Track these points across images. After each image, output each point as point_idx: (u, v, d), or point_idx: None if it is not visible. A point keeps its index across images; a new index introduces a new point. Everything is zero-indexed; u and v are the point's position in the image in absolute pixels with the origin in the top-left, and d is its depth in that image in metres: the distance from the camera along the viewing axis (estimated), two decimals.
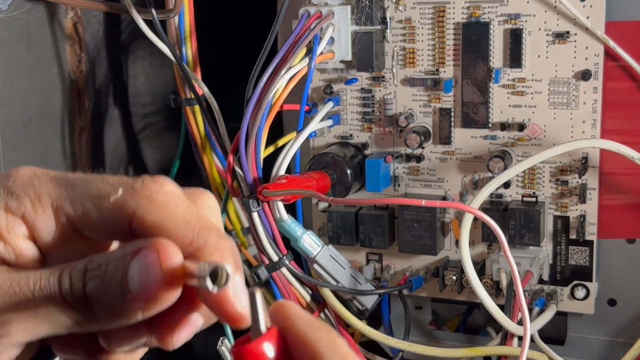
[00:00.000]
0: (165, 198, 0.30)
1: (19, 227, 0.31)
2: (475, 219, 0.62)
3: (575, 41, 0.61)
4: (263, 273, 0.62)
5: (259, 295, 0.28)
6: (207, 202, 0.33)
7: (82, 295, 0.29)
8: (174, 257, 0.29)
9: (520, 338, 0.63)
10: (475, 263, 0.63)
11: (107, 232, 0.31)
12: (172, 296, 0.29)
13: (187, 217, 0.30)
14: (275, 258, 0.62)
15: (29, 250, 0.31)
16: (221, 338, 0.60)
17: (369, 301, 0.66)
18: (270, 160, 0.62)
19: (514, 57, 0.62)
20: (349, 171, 0.65)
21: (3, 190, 0.31)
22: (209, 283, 0.27)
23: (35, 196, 0.31)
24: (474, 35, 0.63)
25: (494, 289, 0.65)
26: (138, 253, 0.29)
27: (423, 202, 0.56)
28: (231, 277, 0.28)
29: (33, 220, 0.31)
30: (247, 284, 0.68)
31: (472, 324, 0.75)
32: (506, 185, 0.65)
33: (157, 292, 0.28)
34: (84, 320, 0.29)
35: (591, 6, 0.60)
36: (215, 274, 0.27)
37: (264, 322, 0.28)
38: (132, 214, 0.30)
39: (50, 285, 0.29)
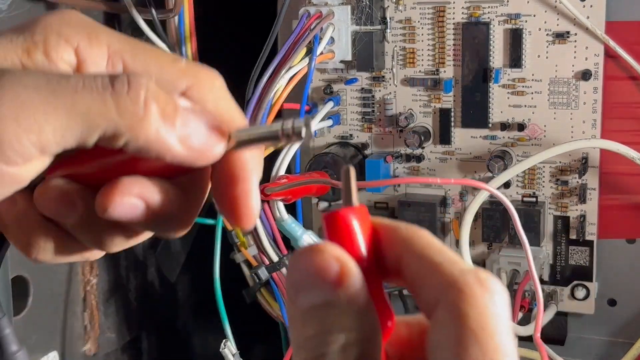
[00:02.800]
0: (220, 83, 0.31)
1: (68, 54, 0.29)
2: (476, 219, 0.62)
3: (576, 41, 0.61)
4: (263, 273, 0.62)
5: (352, 172, 0.28)
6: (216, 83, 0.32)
7: (134, 101, 0.27)
8: None
9: (521, 338, 0.63)
10: (475, 263, 0.63)
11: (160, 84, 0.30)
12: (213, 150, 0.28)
13: (232, 106, 0.31)
14: (275, 258, 0.62)
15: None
16: (224, 340, 0.61)
17: None
18: (270, 160, 0.62)
19: (514, 57, 0.62)
20: None
21: (56, 20, 0.29)
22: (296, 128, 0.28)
23: (93, 33, 0.29)
24: (474, 35, 0.63)
25: None
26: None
27: (438, 180, 0.56)
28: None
29: (86, 55, 0.29)
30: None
31: None
32: (506, 185, 0.65)
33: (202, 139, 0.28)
34: (125, 129, 0.27)
35: (591, 6, 0.60)
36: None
37: (356, 198, 0.27)
38: (190, 85, 0.30)
39: (99, 84, 0.27)
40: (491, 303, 0.24)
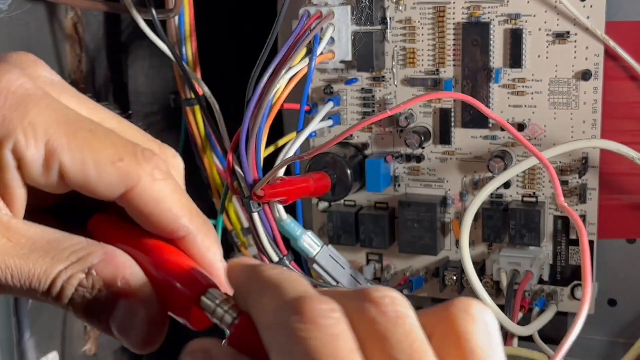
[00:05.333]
0: (165, 177, 0.30)
1: (8, 162, 0.28)
2: (476, 218, 0.62)
3: (576, 41, 0.61)
4: None
5: None
6: (174, 162, 0.32)
7: (65, 305, 0.28)
8: (163, 322, 0.29)
9: (521, 338, 0.63)
10: (475, 263, 0.63)
11: (99, 194, 0.29)
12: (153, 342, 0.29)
13: (183, 200, 0.30)
14: (275, 258, 0.62)
15: (17, 184, 0.29)
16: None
17: None
18: (271, 160, 0.62)
19: (514, 57, 0.62)
20: (349, 171, 0.65)
21: None
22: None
23: (30, 127, 0.28)
24: (474, 35, 0.63)
25: (494, 289, 0.65)
26: (125, 298, 0.28)
27: (388, 112, 0.55)
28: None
29: (21, 154, 0.28)
30: None
31: None
32: (506, 185, 0.65)
33: (136, 340, 0.29)
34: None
35: (591, 6, 0.60)
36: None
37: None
38: (131, 187, 0.29)
39: (40, 285, 0.28)
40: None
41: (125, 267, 0.29)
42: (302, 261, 0.65)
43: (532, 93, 0.63)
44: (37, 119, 0.28)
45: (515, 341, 0.62)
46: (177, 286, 0.29)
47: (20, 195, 0.29)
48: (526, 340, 0.64)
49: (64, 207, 0.32)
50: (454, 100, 0.65)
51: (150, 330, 0.28)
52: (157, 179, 0.29)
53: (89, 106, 0.31)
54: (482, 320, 0.26)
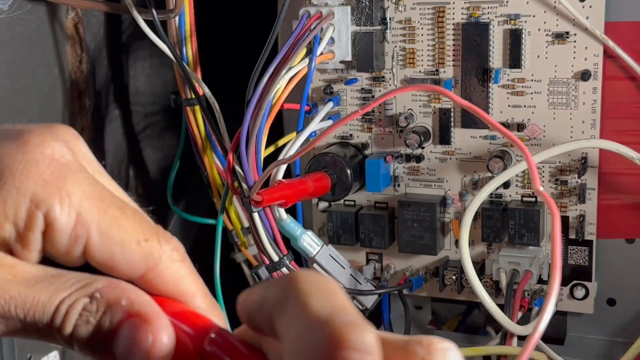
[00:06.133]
0: (183, 259, 0.31)
1: (38, 224, 0.29)
2: (475, 218, 0.62)
3: (575, 41, 0.61)
4: (263, 273, 0.62)
5: None
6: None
7: (68, 337, 0.28)
8: (165, 339, 0.28)
9: (520, 337, 0.63)
10: (475, 263, 0.63)
11: (119, 271, 0.30)
12: None
13: (198, 281, 0.31)
14: (275, 258, 0.62)
15: (34, 247, 0.29)
16: None
17: (369, 301, 0.66)
18: (271, 160, 0.62)
19: (514, 58, 0.63)
20: (349, 171, 0.66)
21: (36, 170, 0.28)
22: None
23: (66, 196, 0.29)
24: (473, 36, 0.63)
25: (494, 288, 0.65)
26: (130, 319, 0.28)
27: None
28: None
29: (53, 220, 0.29)
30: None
31: (471, 323, 0.75)
32: (506, 185, 0.65)
33: None
34: (49, 342, 0.29)
35: (590, 6, 0.60)
36: None
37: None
38: (152, 267, 0.30)
39: (44, 313, 0.28)
40: None
41: (130, 290, 0.29)
42: (302, 261, 0.65)
43: (532, 93, 0.63)
44: (73, 190, 0.29)
45: (515, 341, 0.62)
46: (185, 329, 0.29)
47: (33, 259, 0.29)
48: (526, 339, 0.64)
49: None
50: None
51: (155, 349, 0.28)
52: (175, 260, 0.30)
53: (115, 187, 0.32)
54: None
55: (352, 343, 0.22)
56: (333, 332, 0.23)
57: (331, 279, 0.26)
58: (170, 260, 0.30)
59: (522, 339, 0.64)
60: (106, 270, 0.30)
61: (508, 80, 0.64)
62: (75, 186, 0.29)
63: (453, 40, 0.64)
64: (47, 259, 0.30)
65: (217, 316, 0.31)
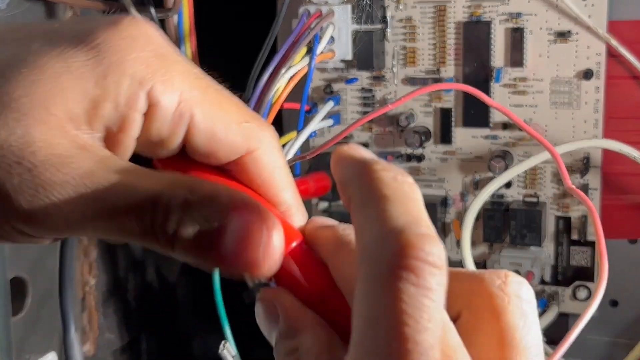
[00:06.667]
0: (280, 148, 0.30)
1: (141, 102, 0.27)
2: (476, 219, 0.62)
3: (577, 40, 0.61)
4: None
5: None
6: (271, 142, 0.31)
7: (172, 233, 0.26)
8: (279, 235, 0.26)
9: None
10: (476, 263, 0.63)
11: (221, 152, 0.29)
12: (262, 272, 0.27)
13: (290, 175, 0.30)
14: None
15: (134, 131, 0.27)
16: (223, 342, 0.60)
17: None
18: None
19: (515, 57, 0.62)
20: None
21: (130, 50, 0.27)
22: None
23: (168, 75, 0.27)
24: (475, 35, 0.63)
25: None
26: (239, 212, 0.26)
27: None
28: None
29: (157, 99, 0.27)
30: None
31: None
32: (507, 185, 0.65)
33: (252, 261, 0.26)
34: (148, 244, 0.26)
35: (593, 5, 0.60)
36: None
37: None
38: (253, 150, 0.29)
39: (144, 203, 0.25)
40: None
41: (230, 186, 0.28)
42: None
43: (534, 92, 0.63)
44: (174, 70, 0.27)
45: None
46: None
47: (129, 146, 0.28)
48: None
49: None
50: (455, 100, 0.65)
51: (269, 248, 0.26)
52: (275, 147, 0.29)
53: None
54: (519, 297, 0.26)
55: (422, 254, 0.22)
56: (406, 242, 0.22)
57: (408, 180, 0.25)
58: (269, 147, 0.29)
59: None
60: (207, 152, 0.28)
61: (510, 79, 0.63)
62: (176, 66, 0.28)
63: (454, 39, 0.64)
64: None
65: (302, 215, 0.30)
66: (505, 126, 0.64)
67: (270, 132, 0.29)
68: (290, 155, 0.61)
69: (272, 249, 0.26)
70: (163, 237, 0.26)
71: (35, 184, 0.25)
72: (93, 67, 0.26)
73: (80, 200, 0.25)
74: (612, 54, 0.61)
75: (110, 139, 0.27)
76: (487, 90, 0.63)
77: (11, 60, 0.26)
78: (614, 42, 0.60)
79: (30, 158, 0.25)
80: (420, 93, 0.63)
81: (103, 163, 0.26)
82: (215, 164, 0.29)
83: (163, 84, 0.27)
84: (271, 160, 0.29)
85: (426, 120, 0.66)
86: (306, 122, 0.63)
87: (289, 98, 0.61)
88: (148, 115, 0.27)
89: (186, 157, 0.30)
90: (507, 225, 0.64)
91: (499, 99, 0.64)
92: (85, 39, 0.27)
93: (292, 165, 0.64)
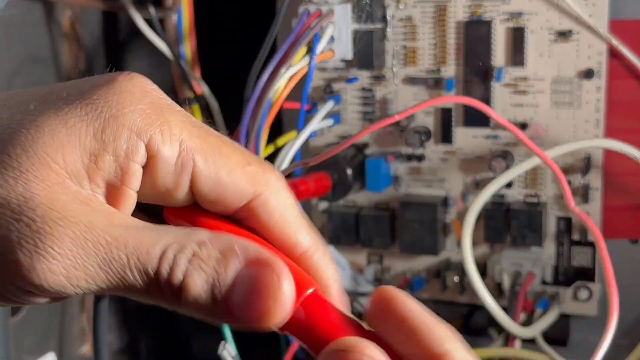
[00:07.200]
0: (287, 188, 0.29)
1: (140, 154, 0.27)
2: (477, 219, 0.62)
3: (578, 40, 0.61)
4: None
5: None
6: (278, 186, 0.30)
7: (178, 287, 0.26)
8: (290, 285, 0.26)
9: (523, 340, 0.62)
10: (477, 264, 0.62)
11: (227, 200, 0.28)
12: (271, 324, 0.26)
13: (301, 214, 0.29)
14: None
15: (135, 184, 0.27)
16: (222, 342, 0.60)
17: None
18: (270, 160, 0.61)
19: (516, 56, 0.62)
20: (349, 171, 0.65)
21: (126, 104, 0.27)
22: None
23: (166, 125, 0.27)
24: (475, 34, 0.62)
25: (496, 290, 0.65)
26: (249, 265, 0.26)
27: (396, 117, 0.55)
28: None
29: (157, 150, 0.27)
30: None
31: (473, 325, 0.74)
32: (508, 185, 0.64)
33: (262, 313, 0.26)
34: (154, 299, 0.27)
35: (594, 4, 0.60)
36: None
37: None
38: (259, 193, 0.28)
39: (150, 257, 0.25)
40: None
41: (240, 238, 0.27)
42: None
43: (534, 92, 0.63)
44: (172, 120, 0.27)
45: (518, 343, 0.61)
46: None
47: (130, 198, 0.28)
48: (529, 342, 0.63)
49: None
50: None
51: (279, 299, 0.26)
52: (281, 188, 0.29)
53: None
54: None
55: None
56: None
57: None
58: (276, 188, 0.29)
59: (525, 341, 0.63)
60: (214, 199, 0.28)
61: (510, 79, 0.63)
62: (174, 116, 0.28)
63: (455, 38, 0.64)
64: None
65: (322, 253, 0.30)
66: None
67: (275, 174, 0.29)
68: (290, 155, 0.61)
69: (283, 300, 0.26)
70: (169, 291, 0.26)
71: (34, 239, 0.25)
72: (90, 122, 0.26)
73: (80, 255, 0.25)
74: (613, 53, 0.60)
75: (111, 193, 0.27)
76: (487, 90, 0.63)
77: (9, 122, 0.27)
78: (615, 42, 0.59)
79: (30, 214, 0.25)
80: (428, 105, 0.62)
81: (104, 217, 0.26)
82: (226, 213, 0.29)
83: (162, 134, 0.27)
84: (280, 201, 0.29)
85: (427, 120, 0.66)
86: (306, 121, 0.63)
87: (289, 98, 0.61)
88: (151, 166, 0.27)
89: (197, 207, 0.29)
90: (507, 226, 0.63)
91: (500, 99, 0.64)
92: (81, 96, 0.27)
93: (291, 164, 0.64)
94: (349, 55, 0.63)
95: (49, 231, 0.25)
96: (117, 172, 0.27)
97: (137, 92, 0.27)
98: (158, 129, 0.27)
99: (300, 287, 0.27)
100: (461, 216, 0.66)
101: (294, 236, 0.29)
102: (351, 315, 0.28)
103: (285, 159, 0.60)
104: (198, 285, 0.26)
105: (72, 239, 0.25)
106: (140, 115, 0.27)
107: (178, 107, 0.28)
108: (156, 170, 0.27)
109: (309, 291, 0.27)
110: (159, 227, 0.27)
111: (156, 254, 0.26)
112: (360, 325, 0.27)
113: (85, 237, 0.25)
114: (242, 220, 0.29)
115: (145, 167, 0.27)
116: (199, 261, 0.26)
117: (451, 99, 0.63)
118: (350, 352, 0.25)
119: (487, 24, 0.62)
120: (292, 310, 0.26)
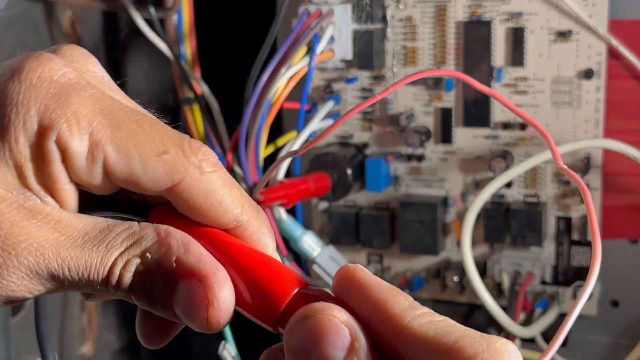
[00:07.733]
0: (214, 169, 0.29)
1: (53, 153, 0.27)
2: (477, 219, 0.62)
3: (578, 40, 0.61)
4: None
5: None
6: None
7: (127, 293, 0.28)
8: (223, 296, 0.27)
9: (523, 340, 0.62)
10: (476, 264, 0.62)
11: (144, 188, 0.28)
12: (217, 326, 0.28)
13: (234, 191, 0.29)
14: None
15: (63, 180, 0.28)
16: (222, 342, 0.60)
17: None
18: (271, 160, 0.61)
19: (516, 56, 0.62)
20: (349, 171, 0.65)
21: (36, 95, 0.27)
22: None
23: (73, 117, 0.27)
24: (475, 34, 0.62)
25: (496, 290, 0.65)
26: (185, 280, 0.27)
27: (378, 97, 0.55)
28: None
29: (66, 145, 0.27)
30: None
31: (473, 325, 0.74)
32: (508, 185, 0.64)
33: (201, 322, 0.28)
34: (111, 297, 0.29)
35: (594, 5, 0.60)
36: None
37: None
38: (178, 180, 0.28)
39: (99, 275, 0.27)
40: None
41: (180, 246, 0.28)
42: (302, 262, 0.64)
43: (534, 92, 0.63)
44: (80, 109, 0.27)
45: (518, 343, 0.61)
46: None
47: (69, 191, 0.28)
48: (528, 342, 0.63)
49: (124, 201, 0.31)
50: (455, 100, 0.65)
51: (214, 309, 0.27)
52: (205, 171, 0.28)
53: (131, 102, 0.30)
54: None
55: None
56: None
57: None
58: (198, 172, 0.28)
59: (524, 341, 0.63)
60: (131, 188, 0.28)
61: (510, 79, 0.63)
62: (82, 105, 0.27)
63: (455, 38, 0.64)
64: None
65: (258, 226, 0.30)
66: (506, 126, 0.64)
67: (197, 156, 0.28)
68: (289, 157, 0.61)
69: (219, 307, 0.27)
70: (120, 295, 0.28)
71: None
72: (2, 135, 0.27)
73: (33, 282, 0.27)
74: (612, 53, 0.60)
75: (51, 192, 0.28)
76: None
77: None
78: (615, 42, 0.59)
79: None
80: (412, 80, 0.62)
81: (53, 232, 0.27)
82: (151, 199, 0.30)
83: (69, 128, 0.27)
84: (203, 186, 0.28)
85: (426, 120, 0.66)
86: (306, 121, 0.63)
87: (289, 98, 0.61)
88: (65, 159, 0.27)
89: (165, 207, 0.30)
90: (507, 226, 0.63)
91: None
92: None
93: (292, 165, 0.64)
94: (349, 56, 0.63)
95: (2, 262, 0.27)
96: (43, 174, 0.27)
97: (43, 84, 0.27)
98: (65, 124, 0.27)
99: (285, 289, 0.28)
100: (461, 216, 0.66)
101: (223, 216, 0.29)
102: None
103: (286, 160, 0.60)
104: (142, 296, 0.28)
105: (26, 268, 0.27)
106: (46, 111, 0.27)
107: (92, 90, 0.28)
108: (70, 164, 0.27)
109: (294, 291, 0.28)
110: (106, 234, 0.28)
111: (104, 272, 0.27)
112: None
113: (38, 265, 0.27)
114: (172, 203, 0.29)
115: (63, 161, 0.27)
116: (142, 276, 0.28)
117: (434, 72, 0.63)
118: (319, 314, 0.25)
119: (487, 24, 0.62)
120: (231, 315, 0.28)
